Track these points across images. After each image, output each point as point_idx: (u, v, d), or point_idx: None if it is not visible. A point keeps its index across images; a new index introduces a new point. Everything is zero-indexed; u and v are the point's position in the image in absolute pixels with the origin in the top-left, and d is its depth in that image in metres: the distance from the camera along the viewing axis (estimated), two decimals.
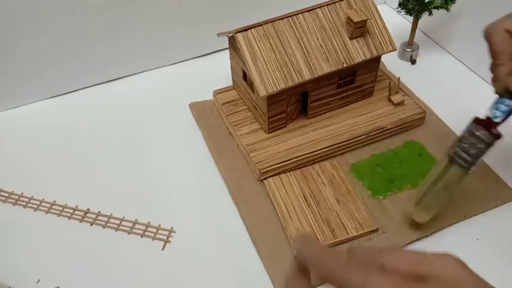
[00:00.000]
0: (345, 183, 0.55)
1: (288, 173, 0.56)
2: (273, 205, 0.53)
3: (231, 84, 0.66)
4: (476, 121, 0.44)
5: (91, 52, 0.68)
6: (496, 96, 0.45)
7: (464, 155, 0.44)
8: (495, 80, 0.44)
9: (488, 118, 0.44)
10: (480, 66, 0.70)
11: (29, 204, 0.56)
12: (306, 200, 0.53)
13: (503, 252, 0.49)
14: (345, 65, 0.56)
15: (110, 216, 0.54)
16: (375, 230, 0.51)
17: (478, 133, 0.44)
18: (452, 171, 0.46)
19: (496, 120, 0.44)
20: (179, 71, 0.75)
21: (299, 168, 0.57)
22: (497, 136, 0.44)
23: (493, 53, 0.44)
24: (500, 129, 0.44)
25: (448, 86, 0.70)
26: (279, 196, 0.54)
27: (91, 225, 0.54)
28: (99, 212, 0.55)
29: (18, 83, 0.67)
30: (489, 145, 0.44)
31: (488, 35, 0.44)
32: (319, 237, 0.49)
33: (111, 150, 0.62)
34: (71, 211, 0.55)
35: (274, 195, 0.54)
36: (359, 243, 0.50)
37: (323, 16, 0.56)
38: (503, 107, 0.44)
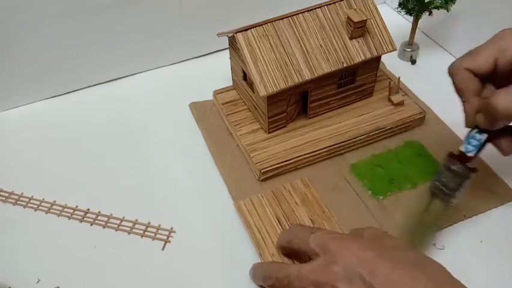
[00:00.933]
0: (318, 202, 0.53)
1: (259, 195, 0.54)
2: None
3: (231, 84, 0.66)
4: (451, 155, 0.46)
5: (91, 52, 0.68)
6: (467, 130, 0.47)
7: (444, 189, 0.46)
8: (465, 116, 0.47)
9: (461, 153, 0.46)
10: None
11: (29, 204, 0.56)
12: (279, 222, 0.51)
13: (504, 252, 0.49)
14: (345, 65, 0.56)
15: (110, 216, 0.54)
16: None
17: (454, 167, 0.46)
18: (435, 205, 0.47)
19: (469, 154, 0.46)
20: (179, 71, 0.75)
21: (299, 168, 0.57)
22: (473, 170, 0.46)
23: (458, 91, 0.47)
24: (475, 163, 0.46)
25: (448, 86, 0.69)
26: (252, 221, 0.51)
27: (91, 225, 0.54)
28: (99, 212, 0.55)
29: (18, 83, 0.67)
30: (466, 178, 0.46)
31: (451, 75, 0.47)
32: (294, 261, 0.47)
33: (111, 150, 0.62)
34: (71, 211, 0.55)
35: (247, 220, 0.51)
36: None
37: (323, 16, 0.56)
38: (474, 142, 0.46)
